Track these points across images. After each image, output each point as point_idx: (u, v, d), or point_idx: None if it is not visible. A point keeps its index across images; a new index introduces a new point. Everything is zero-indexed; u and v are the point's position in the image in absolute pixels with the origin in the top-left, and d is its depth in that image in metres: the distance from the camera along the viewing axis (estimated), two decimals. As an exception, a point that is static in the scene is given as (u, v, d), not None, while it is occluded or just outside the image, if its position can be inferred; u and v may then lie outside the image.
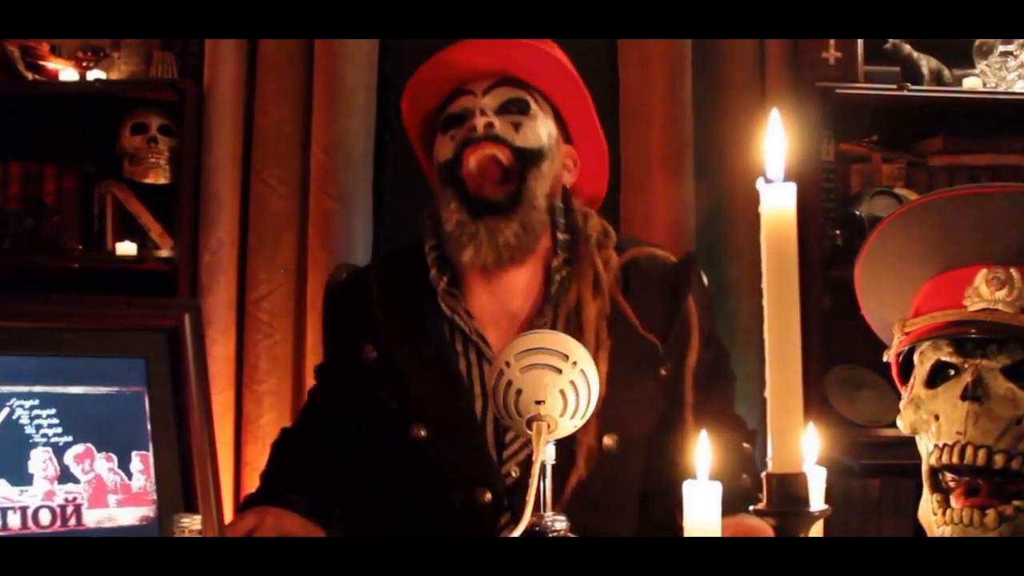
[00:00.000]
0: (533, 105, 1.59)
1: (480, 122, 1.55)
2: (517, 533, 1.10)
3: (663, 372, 1.56)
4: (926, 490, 1.20)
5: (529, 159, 1.55)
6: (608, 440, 1.50)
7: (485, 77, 1.58)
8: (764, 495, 0.77)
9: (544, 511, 1.13)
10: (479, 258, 1.53)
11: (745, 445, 1.61)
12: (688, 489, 1.02)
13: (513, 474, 1.51)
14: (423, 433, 1.52)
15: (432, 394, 1.54)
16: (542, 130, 1.58)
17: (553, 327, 1.54)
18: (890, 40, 2.72)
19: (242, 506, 1.65)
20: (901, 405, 1.25)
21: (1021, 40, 2.72)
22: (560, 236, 1.59)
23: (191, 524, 1.16)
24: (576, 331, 1.50)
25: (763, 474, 0.77)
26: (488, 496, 1.50)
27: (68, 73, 2.81)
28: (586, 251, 1.57)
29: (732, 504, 1.15)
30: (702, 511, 1.01)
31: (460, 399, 1.54)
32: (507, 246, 1.53)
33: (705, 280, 1.68)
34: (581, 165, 1.67)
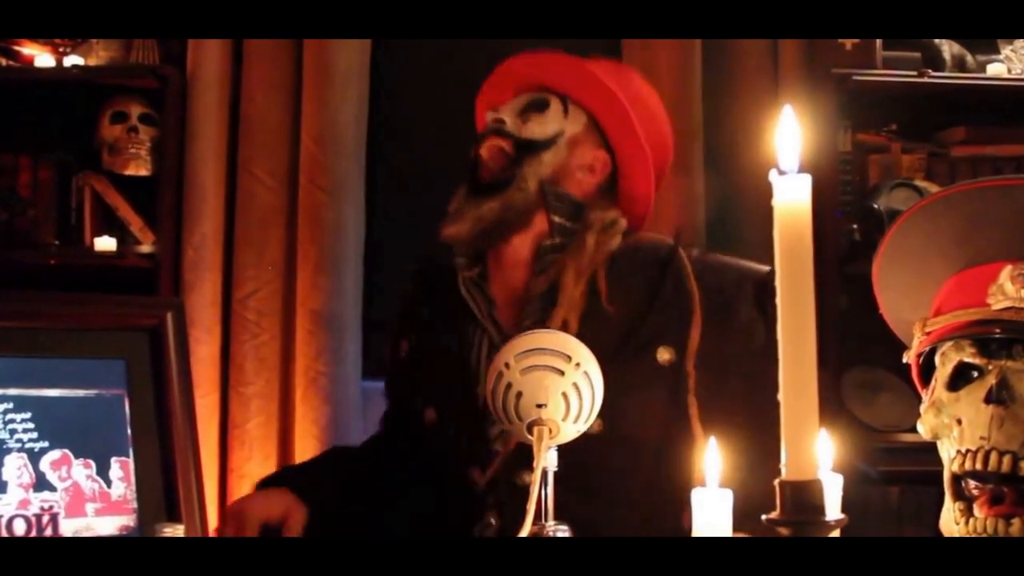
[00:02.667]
0: (553, 104, 1.80)
1: (490, 117, 1.80)
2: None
3: (666, 357, 1.64)
4: (948, 498, 1.20)
5: (529, 147, 1.76)
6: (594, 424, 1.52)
7: (525, 90, 1.84)
8: (778, 504, 0.77)
9: (546, 520, 1.13)
10: (457, 230, 1.75)
11: None
12: (697, 497, 1.02)
13: (499, 448, 1.67)
14: (434, 416, 1.72)
15: (445, 379, 1.74)
16: (551, 125, 1.79)
17: (537, 304, 1.70)
18: (910, 24, 2.72)
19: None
20: (922, 409, 1.24)
21: (1048, 24, 2.72)
22: (557, 220, 1.77)
23: (173, 534, 1.16)
24: (550, 308, 1.67)
25: (776, 481, 0.77)
26: (477, 477, 1.66)
27: (44, 59, 2.81)
28: (581, 240, 1.74)
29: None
30: (712, 520, 1.01)
31: (465, 383, 1.71)
32: (481, 219, 1.73)
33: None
34: (627, 170, 1.83)
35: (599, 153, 1.83)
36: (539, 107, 1.80)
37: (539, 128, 1.78)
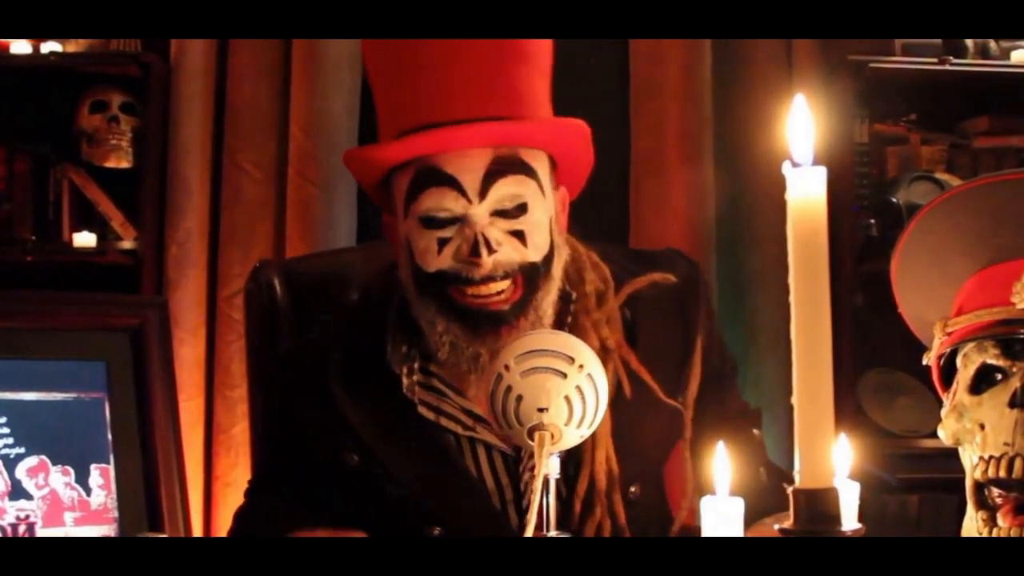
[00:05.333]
0: (536, 190, 1.45)
1: (487, 263, 1.40)
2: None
3: (679, 401, 1.55)
4: (970, 507, 1.20)
5: (538, 270, 1.44)
6: (633, 489, 1.52)
7: (473, 154, 1.42)
8: (791, 513, 0.77)
9: (547, 529, 1.13)
10: (483, 383, 1.38)
11: (755, 432, 1.63)
12: (707, 505, 1.02)
13: None
14: (437, 531, 1.48)
15: (440, 496, 1.48)
16: (544, 220, 1.45)
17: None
18: (931, 9, 2.72)
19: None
20: (942, 413, 1.24)
21: (1076, 9, 2.72)
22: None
23: (156, 545, 1.16)
24: None
25: (790, 489, 0.77)
26: None
27: (20, 45, 2.80)
28: (587, 320, 1.51)
29: (754, 506, 1.18)
30: (722, 528, 1.01)
31: (472, 495, 1.49)
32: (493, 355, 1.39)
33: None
34: (560, 174, 1.55)
35: (562, 194, 1.54)
36: (522, 205, 1.43)
37: (541, 238, 1.44)
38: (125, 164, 2.80)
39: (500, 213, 1.42)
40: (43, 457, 1.49)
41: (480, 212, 1.41)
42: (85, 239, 2.75)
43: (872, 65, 2.66)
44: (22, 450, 1.48)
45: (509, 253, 1.42)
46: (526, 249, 1.43)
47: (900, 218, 2.57)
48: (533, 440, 1.15)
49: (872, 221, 2.71)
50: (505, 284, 1.42)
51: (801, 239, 0.78)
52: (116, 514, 1.52)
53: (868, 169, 2.77)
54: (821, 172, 0.77)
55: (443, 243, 1.42)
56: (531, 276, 1.44)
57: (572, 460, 1.47)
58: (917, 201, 2.55)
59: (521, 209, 1.43)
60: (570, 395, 1.16)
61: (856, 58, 2.67)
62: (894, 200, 2.66)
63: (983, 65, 2.74)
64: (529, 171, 1.44)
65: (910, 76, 2.74)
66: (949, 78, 2.72)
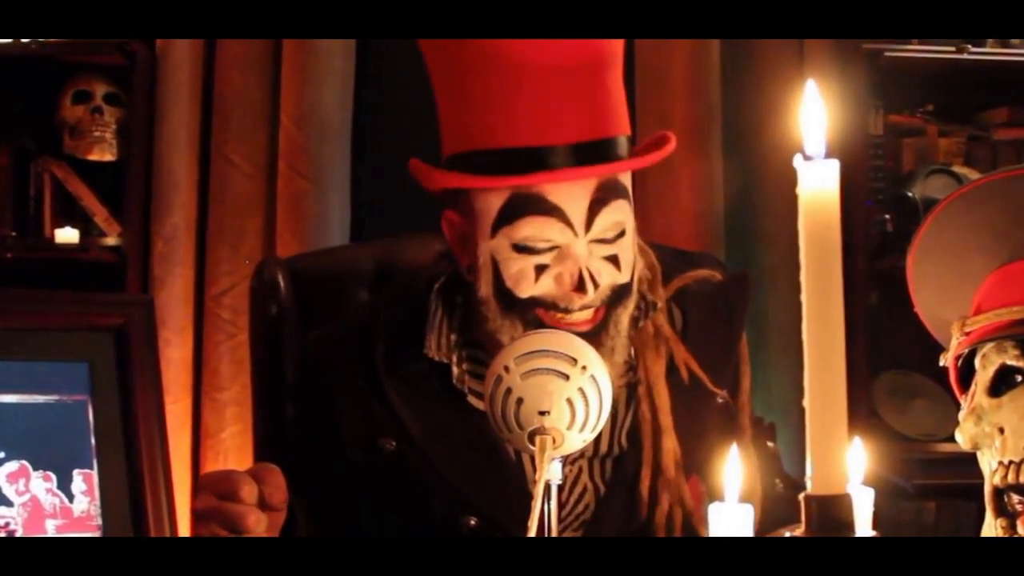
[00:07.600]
0: (629, 210, 1.46)
1: (589, 296, 1.40)
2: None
3: (719, 400, 1.57)
4: (989, 514, 1.20)
5: (625, 289, 1.46)
6: (702, 487, 1.55)
7: (579, 183, 1.43)
8: (803, 520, 0.77)
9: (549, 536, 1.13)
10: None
11: (769, 444, 1.65)
12: (715, 512, 1.02)
13: None
14: (473, 523, 1.50)
15: (479, 485, 1.51)
16: (632, 235, 1.47)
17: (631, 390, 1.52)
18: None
19: None
20: (960, 416, 1.24)
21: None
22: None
23: (141, 553, 1.16)
24: (650, 406, 1.51)
25: (802, 496, 0.77)
26: None
27: (-1, 33, 2.81)
28: (644, 332, 1.53)
29: (771, 517, 1.20)
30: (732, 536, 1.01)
31: (513, 486, 1.50)
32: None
33: None
34: None
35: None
36: (621, 231, 1.45)
37: (628, 262, 1.45)
38: (109, 157, 2.80)
39: (599, 241, 1.42)
40: (23, 462, 1.49)
41: (584, 243, 1.41)
42: (67, 235, 2.75)
43: (887, 54, 2.66)
44: (1, 455, 1.48)
45: (607, 280, 1.42)
46: (619, 273, 1.44)
47: (916, 213, 2.57)
48: (534, 445, 1.15)
49: (887, 216, 2.72)
50: (592, 311, 1.42)
51: (813, 235, 0.78)
52: (100, 521, 1.52)
53: (883, 162, 2.78)
54: (834, 165, 0.77)
55: (540, 270, 1.42)
56: (617, 296, 1.44)
57: (632, 446, 1.50)
58: (934, 195, 2.55)
59: (620, 235, 1.44)
60: (572, 397, 1.16)
61: (871, 46, 2.66)
62: (910, 194, 2.66)
63: (1003, 54, 2.74)
64: (625, 193, 1.46)
65: (927, 65, 2.73)
66: (967, 67, 2.72)
